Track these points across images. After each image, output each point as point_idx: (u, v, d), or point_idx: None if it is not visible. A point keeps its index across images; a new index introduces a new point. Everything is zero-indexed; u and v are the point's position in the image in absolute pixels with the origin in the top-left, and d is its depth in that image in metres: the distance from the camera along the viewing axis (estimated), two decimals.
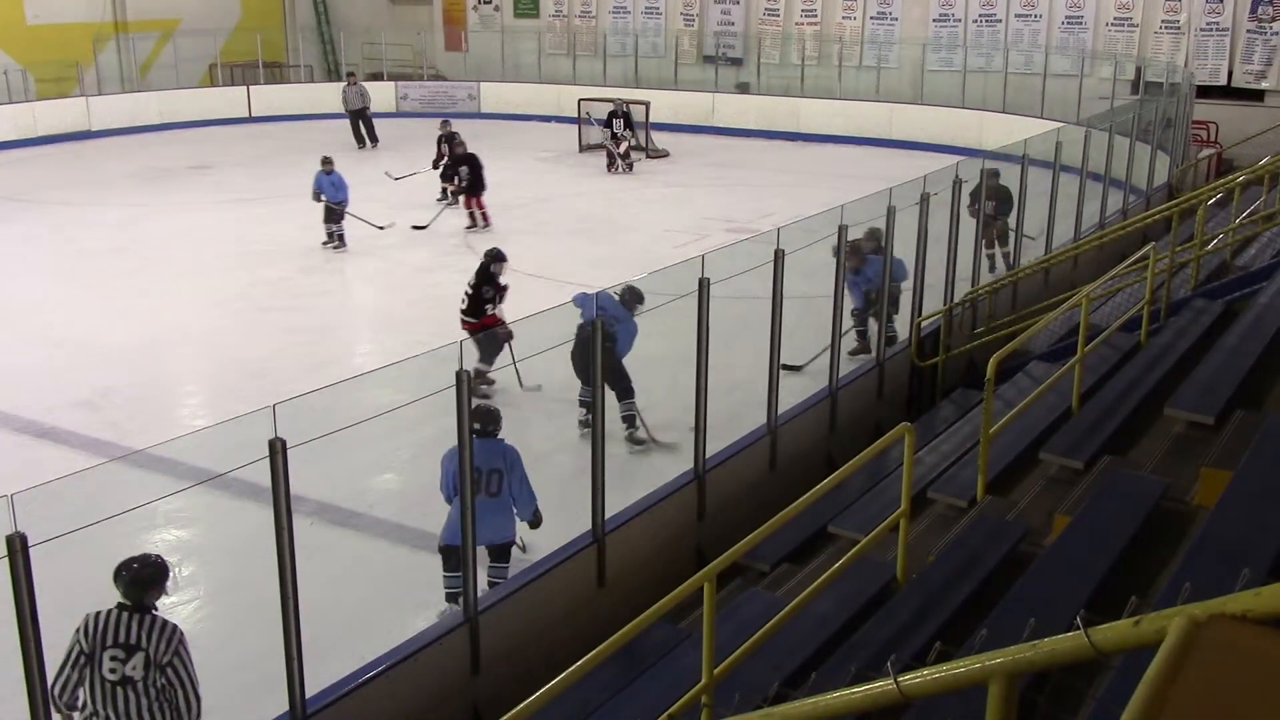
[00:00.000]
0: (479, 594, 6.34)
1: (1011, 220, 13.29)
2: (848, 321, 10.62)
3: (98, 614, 4.98)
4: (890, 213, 9.87)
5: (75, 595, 5.27)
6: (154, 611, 5.02)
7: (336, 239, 16.25)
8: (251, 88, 28.82)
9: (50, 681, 4.75)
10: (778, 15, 28.27)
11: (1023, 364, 9.84)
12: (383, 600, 7.31)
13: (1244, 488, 5.49)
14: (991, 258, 13.43)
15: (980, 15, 25.78)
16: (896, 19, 26.85)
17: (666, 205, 19.64)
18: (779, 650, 5.29)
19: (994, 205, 13.12)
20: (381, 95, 29.52)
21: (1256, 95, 22.91)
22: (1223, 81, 23.20)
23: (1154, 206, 15.97)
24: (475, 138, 20.11)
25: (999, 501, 6.88)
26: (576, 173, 22.68)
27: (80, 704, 5.00)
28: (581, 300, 9.06)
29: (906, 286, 11.02)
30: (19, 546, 4.28)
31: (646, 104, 24.35)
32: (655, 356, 10.02)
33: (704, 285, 7.67)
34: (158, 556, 5.21)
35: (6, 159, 23.65)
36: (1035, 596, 5.03)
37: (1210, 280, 11.13)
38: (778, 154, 24.93)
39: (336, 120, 26.21)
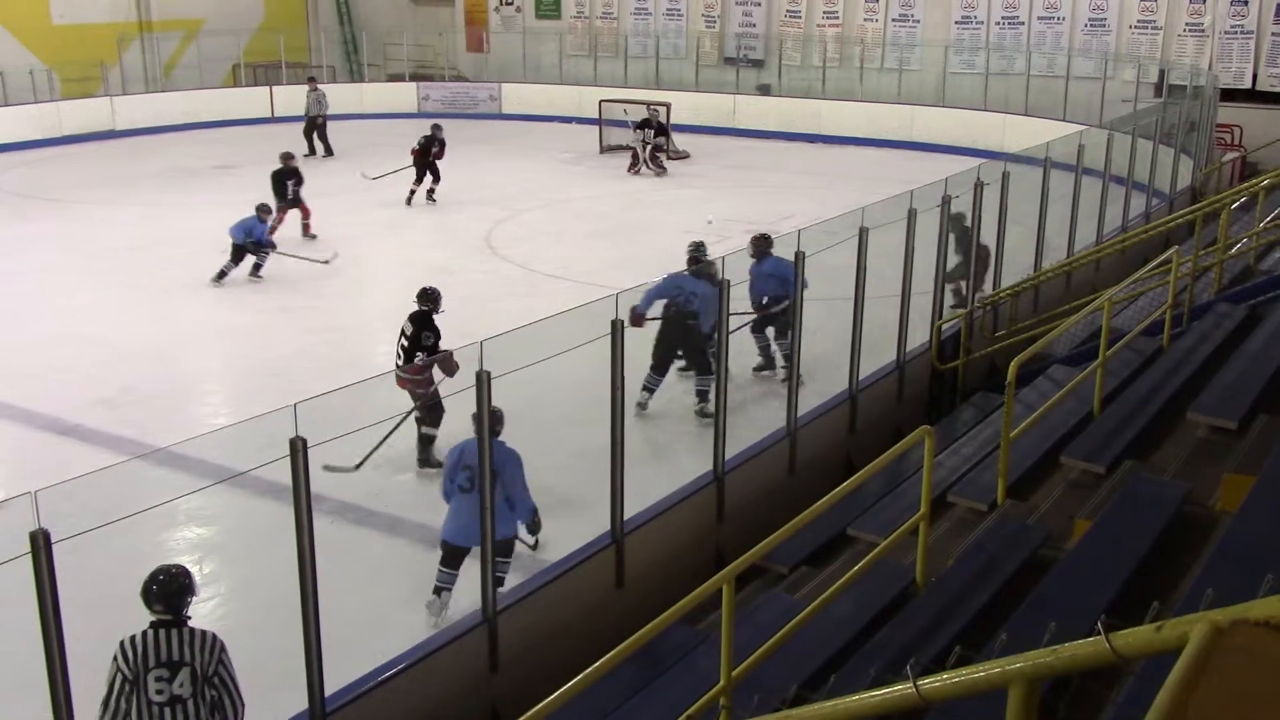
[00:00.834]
0: (496, 594, 6.36)
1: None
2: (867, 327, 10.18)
3: (132, 637, 4.74)
4: (911, 215, 9.83)
5: (97, 592, 5.29)
6: (189, 622, 4.85)
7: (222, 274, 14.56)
8: (274, 88, 28.98)
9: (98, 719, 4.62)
10: (799, 17, 28.23)
11: (1044, 367, 9.80)
12: (402, 599, 7.33)
13: (1267, 493, 5.46)
14: (956, 292, 11.81)
15: (1003, 17, 25.68)
16: (918, 21, 26.77)
17: (687, 206, 19.63)
18: (798, 653, 5.28)
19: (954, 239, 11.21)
20: (403, 96, 29.70)
21: None
22: (1247, 85, 23.05)
23: (1177, 210, 15.88)
24: (496, 138, 20.08)
25: (1019, 505, 6.86)
26: (597, 174, 22.71)
27: None
28: (661, 289, 9.32)
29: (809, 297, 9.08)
30: (42, 543, 4.30)
31: (667, 105, 24.36)
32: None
33: (724, 286, 7.84)
34: (176, 565, 5.05)
35: (32, 158, 23.86)
36: (1056, 601, 5.01)
37: (1234, 284, 11.05)
38: (799, 156, 24.90)
39: (356, 121, 26.27)
